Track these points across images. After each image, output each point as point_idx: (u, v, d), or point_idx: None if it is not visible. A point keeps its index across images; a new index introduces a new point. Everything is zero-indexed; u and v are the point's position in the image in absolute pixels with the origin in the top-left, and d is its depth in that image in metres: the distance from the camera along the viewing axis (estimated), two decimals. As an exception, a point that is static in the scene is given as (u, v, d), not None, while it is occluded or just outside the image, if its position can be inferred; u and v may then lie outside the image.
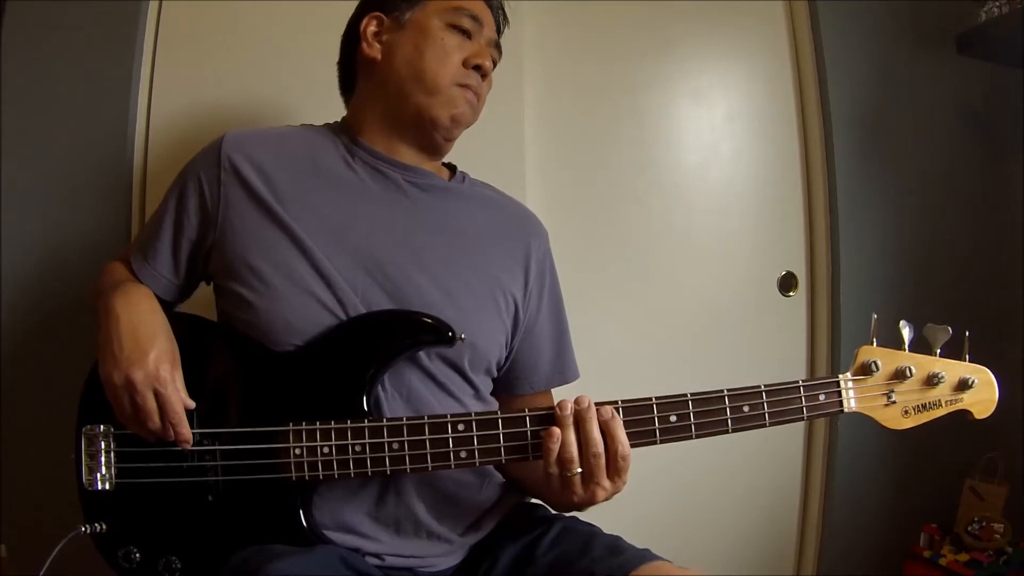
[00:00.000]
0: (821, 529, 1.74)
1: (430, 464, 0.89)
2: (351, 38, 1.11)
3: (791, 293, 1.75)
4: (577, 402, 0.85)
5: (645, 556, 0.90)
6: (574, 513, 1.03)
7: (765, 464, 1.74)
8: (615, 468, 0.85)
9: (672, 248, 1.70)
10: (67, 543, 0.92)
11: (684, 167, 1.71)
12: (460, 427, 0.88)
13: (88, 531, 0.93)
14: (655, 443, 0.86)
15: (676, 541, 1.64)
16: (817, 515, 1.75)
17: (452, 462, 0.88)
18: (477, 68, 1.04)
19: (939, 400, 0.91)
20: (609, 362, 1.58)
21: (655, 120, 1.70)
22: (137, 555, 0.93)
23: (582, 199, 1.66)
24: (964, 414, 0.91)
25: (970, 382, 0.90)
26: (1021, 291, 1.75)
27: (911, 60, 1.79)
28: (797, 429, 1.76)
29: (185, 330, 0.96)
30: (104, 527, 0.93)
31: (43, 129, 1.40)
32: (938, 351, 0.90)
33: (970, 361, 0.91)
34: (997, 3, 1.64)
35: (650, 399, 0.88)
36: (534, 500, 1.11)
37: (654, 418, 0.87)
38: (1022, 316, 1.70)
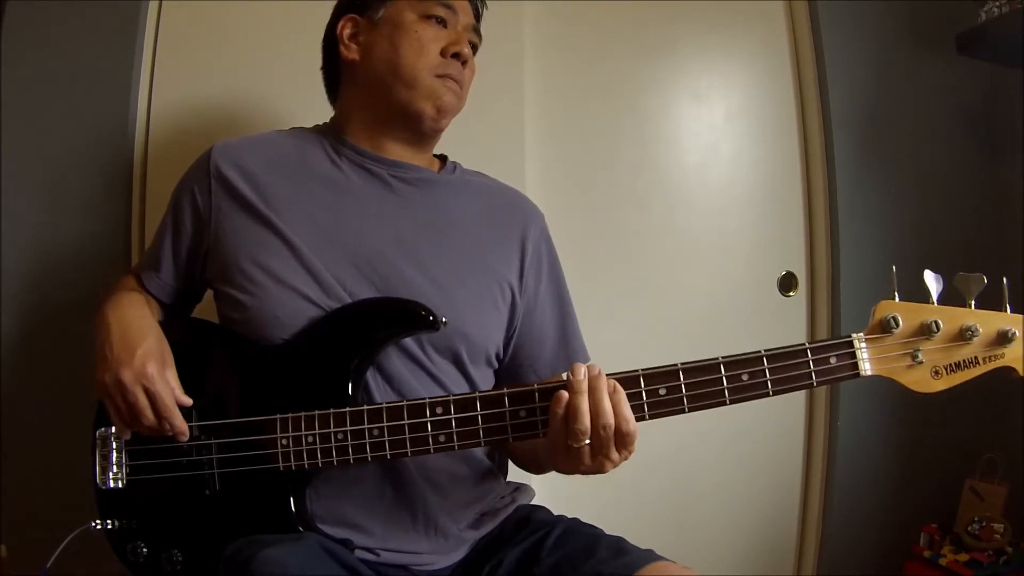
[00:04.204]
0: (821, 529, 1.74)
1: (409, 449, 0.87)
2: (330, 43, 1.11)
3: (791, 293, 1.75)
4: (588, 368, 0.82)
5: (649, 556, 0.90)
6: (577, 515, 1.03)
7: (765, 464, 1.74)
8: (620, 443, 0.81)
9: (672, 248, 1.70)
10: (74, 538, 0.95)
11: (684, 167, 1.71)
12: (439, 410, 0.87)
13: (99, 527, 0.96)
14: (644, 419, 0.82)
15: (676, 541, 1.64)
16: (817, 515, 1.75)
17: (431, 446, 0.87)
18: (456, 56, 1.02)
19: (975, 357, 0.79)
20: (608, 362, 1.56)
21: (655, 120, 1.70)
22: (144, 550, 0.95)
23: (582, 199, 1.66)
24: (1007, 372, 0.80)
25: (1010, 335, 0.78)
26: (1022, 291, 1.75)
27: (911, 60, 1.79)
28: (797, 428, 1.76)
29: (182, 333, 0.99)
30: (114, 524, 0.96)
31: (43, 129, 1.40)
32: (972, 303, 0.80)
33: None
34: (997, 3, 1.64)
35: (636, 371, 0.83)
36: (535, 502, 1.11)
37: (642, 392, 0.82)
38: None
